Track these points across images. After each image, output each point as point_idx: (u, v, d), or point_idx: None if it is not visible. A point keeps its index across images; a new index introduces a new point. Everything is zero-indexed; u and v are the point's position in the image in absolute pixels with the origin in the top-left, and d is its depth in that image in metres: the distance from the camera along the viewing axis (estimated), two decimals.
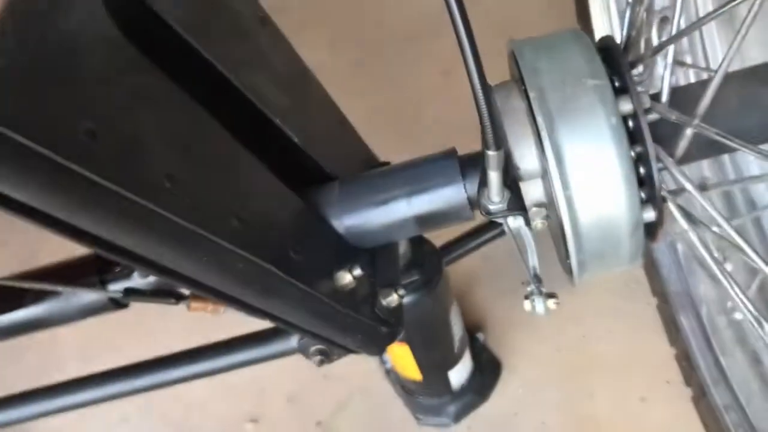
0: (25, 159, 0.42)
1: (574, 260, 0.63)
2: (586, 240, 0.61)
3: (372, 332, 0.70)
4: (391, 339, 0.72)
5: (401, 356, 1.15)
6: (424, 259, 1.04)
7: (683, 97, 0.66)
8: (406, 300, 1.02)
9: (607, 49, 0.65)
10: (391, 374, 1.36)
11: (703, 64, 1.11)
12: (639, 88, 0.67)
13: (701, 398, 1.15)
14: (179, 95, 0.56)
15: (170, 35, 0.59)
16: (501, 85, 0.67)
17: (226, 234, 0.55)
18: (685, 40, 1.12)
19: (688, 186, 0.59)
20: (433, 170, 0.72)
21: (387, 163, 0.90)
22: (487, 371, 1.34)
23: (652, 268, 1.24)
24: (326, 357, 0.73)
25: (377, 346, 0.72)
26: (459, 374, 1.25)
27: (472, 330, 1.39)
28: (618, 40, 0.67)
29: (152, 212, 0.49)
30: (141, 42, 0.54)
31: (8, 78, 0.41)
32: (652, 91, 0.71)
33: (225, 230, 0.55)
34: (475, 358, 1.31)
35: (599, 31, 1.12)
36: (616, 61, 0.62)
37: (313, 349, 0.73)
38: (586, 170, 0.58)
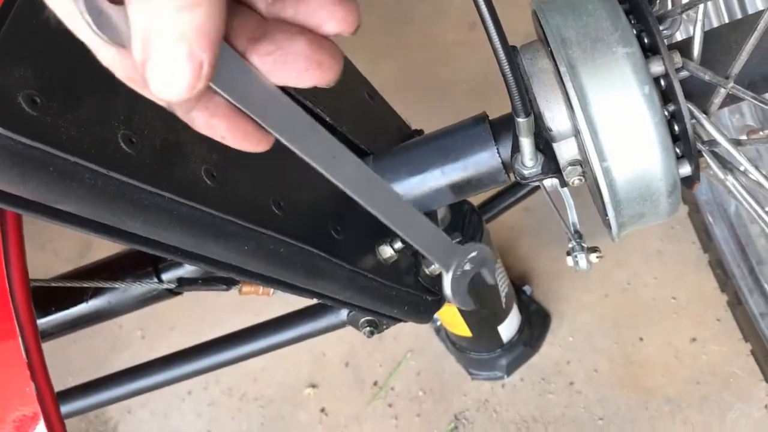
0: (72, 174, 0.44)
1: (613, 223, 0.64)
2: (625, 206, 0.61)
3: (417, 302, 0.72)
4: (437, 307, 0.74)
5: (450, 316, 1.17)
6: (464, 219, 1.05)
7: (716, 46, 0.64)
8: None
9: (633, 3, 0.64)
10: (442, 332, 1.39)
11: None
12: (667, 43, 0.66)
13: (737, 306, 1.14)
14: None
15: None
16: (526, 46, 0.67)
17: (266, 222, 0.56)
18: None
19: (723, 141, 0.59)
20: (464, 137, 0.72)
21: (419, 131, 0.90)
22: (537, 322, 1.35)
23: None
24: (375, 328, 0.75)
25: (424, 315, 0.74)
26: (508, 328, 1.27)
27: (518, 283, 1.40)
28: None
29: (194, 209, 0.51)
30: None
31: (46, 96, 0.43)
32: (680, 34, 0.70)
33: (265, 218, 0.56)
34: (524, 310, 1.33)
35: None
36: (643, 20, 0.61)
37: (362, 321, 0.75)
38: (621, 140, 0.58)
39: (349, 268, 0.63)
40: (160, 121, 0.52)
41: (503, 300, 1.19)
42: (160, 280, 0.77)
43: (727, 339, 1.22)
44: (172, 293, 0.76)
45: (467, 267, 0.54)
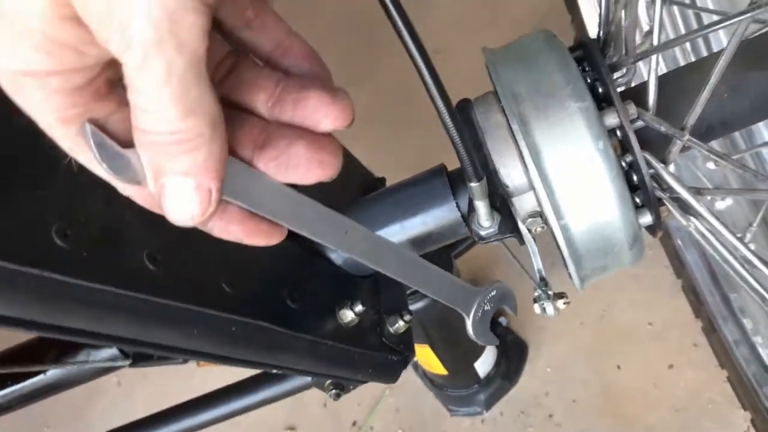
0: (1, 278, 0.42)
1: (575, 277, 0.62)
2: (586, 260, 0.60)
3: (383, 363, 0.70)
4: (403, 365, 0.72)
5: (425, 356, 1.15)
6: (433, 259, 1.03)
7: (672, 90, 0.63)
8: (419, 305, 1.02)
9: (586, 51, 0.63)
10: (419, 368, 1.37)
11: None
12: (622, 89, 0.65)
13: (712, 332, 1.13)
14: None
15: None
16: (480, 99, 0.65)
17: (216, 302, 0.54)
18: None
19: (682, 192, 0.57)
20: (422, 191, 0.70)
21: (382, 179, 0.89)
22: (513, 355, 1.34)
23: None
24: (342, 389, 0.73)
25: (390, 376, 0.71)
26: (485, 363, 1.25)
27: (493, 314, 1.38)
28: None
29: (137, 299, 0.49)
30: None
31: None
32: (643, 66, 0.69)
33: (214, 298, 0.54)
34: (500, 343, 1.31)
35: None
36: (597, 70, 0.60)
37: (327, 383, 0.73)
38: (578, 197, 0.57)
39: (309, 338, 0.61)
40: (98, 206, 0.50)
41: None
42: (121, 351, 0.74)
43: (705, 365, 1.21)
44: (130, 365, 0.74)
45: (487, 307, 0.57)
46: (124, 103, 0.32)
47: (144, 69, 0.29)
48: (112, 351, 0.74)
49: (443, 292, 0.52)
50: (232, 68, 0.40)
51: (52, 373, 0.79)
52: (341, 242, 0.44)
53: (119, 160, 0.33)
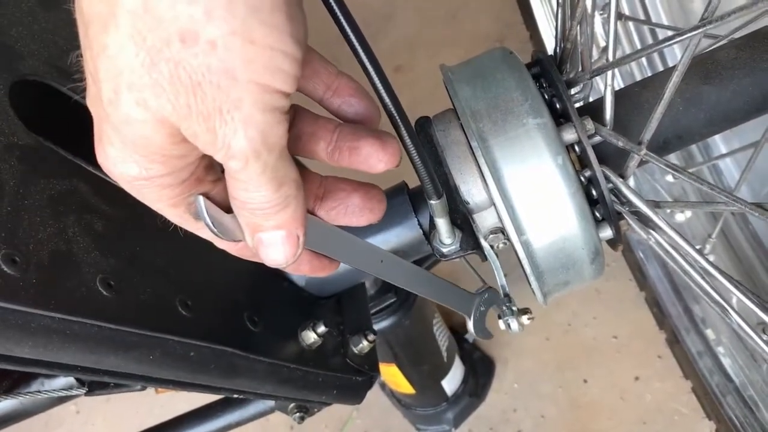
0: None
1: (538, 293, 0.62)
2: (548, 276, 0.60)
3: (347, 384, 0.69)
4: (368, 386, 0.71)
5: (392, 375, 1.14)
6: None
7: (628, 105, 0.64)
8: (386, 323, 1.01)
9: (542, 68, 0.63)
10: (387, 387, 1.36)
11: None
12: (579, 105, 0.66)
13: (675, 344, 1.14)
14: (102, 190, 0.54)
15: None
16: (439, 116, 0.65)
17: (172, 326, 0.53)
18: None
19: (641, 206, 0.58)
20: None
21: None
22: (481, 371, 1.33)
23: None
24: (306, 412, 0.72)
25: (355, 397, 0.70)
26: (452, 381, 1.24)
27: (459, 331, 1.38)
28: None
29: (89, 326, 0.47)
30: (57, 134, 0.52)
31: None
32: (593, 91, 0.70)
33: (170, 323, 0.53)
34: (467, 359, 1.31)
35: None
36: (554, 86, 0.60)
37: (291, 406, 0.72)
38: (538, 213, 0.57)
39: (269, 361, 0.60)
40: (48, 229, 0.48)
41: (444, 354, 1.17)
42: (77, 379, 0.72)
43: (670, 376, 1.22)
44: (86, 394, 0.71)
45: (482, 308, 0.65)
46: (217, 179, 0.40)
47: (245, 169, 0.35)
48: (66, 380, 0.72)
49: (452, 300, 0.62)
50: (292, 122, 0.45)
51: (5, 404, 0.77)
52: (378, 270, 0.53)
53: (223, 225, 0.40)
